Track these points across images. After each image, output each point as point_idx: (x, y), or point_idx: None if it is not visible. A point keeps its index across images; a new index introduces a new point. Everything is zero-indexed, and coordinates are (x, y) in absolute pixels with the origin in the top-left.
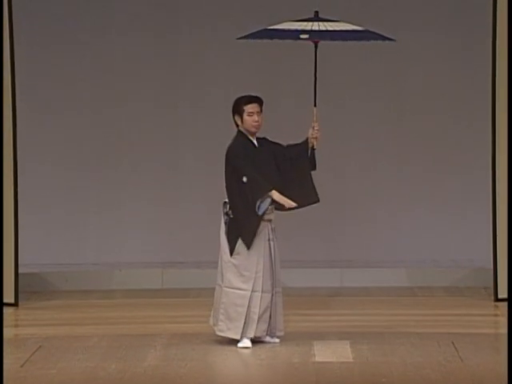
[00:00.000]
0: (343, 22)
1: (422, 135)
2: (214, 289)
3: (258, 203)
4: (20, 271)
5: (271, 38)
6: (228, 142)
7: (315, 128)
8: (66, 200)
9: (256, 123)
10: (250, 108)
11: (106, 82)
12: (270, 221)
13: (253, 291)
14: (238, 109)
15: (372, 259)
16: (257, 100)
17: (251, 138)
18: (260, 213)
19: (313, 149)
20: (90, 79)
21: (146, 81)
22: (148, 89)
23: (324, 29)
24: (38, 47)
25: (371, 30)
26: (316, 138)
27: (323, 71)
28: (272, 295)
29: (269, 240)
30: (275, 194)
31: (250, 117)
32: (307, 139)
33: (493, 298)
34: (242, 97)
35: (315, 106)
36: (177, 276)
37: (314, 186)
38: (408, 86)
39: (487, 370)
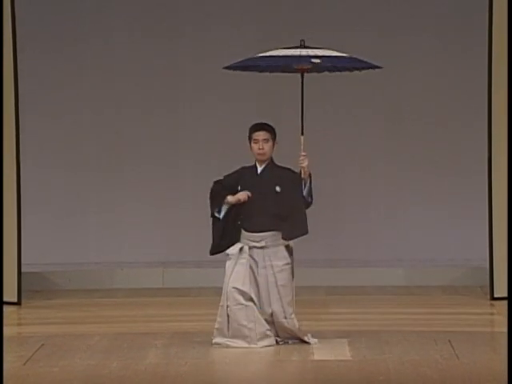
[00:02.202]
0: (330, 49)
1: (420, 136)
2: (214, 288)
3: (216, 210)
4: (23, 270)
5: (261, 68)
6: (228, 143)
7: (300, 158)
8: (68, 200)
9: (260, 151)
10: (255, 136)
11: (107, 83)
12: (262, 248)
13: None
14: (248, 136)
15: (370, 259)
16: (263, 128)
17: (258, 164)
18: (220, 216)
19: (301, 178)
20: (90, 80)
21: (147, 82)
22: (148, 90)
23: (327, 54)
24: (39, 48)
25: (359, 58)
26: (303, 167)
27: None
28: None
29: (257, 267)
30: (229, 197)
31: (255, 144)
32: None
33: (489, 296)
34: (253, 124)
35: (302, 134)
36: (177, 275)
37: (305, 218)
38: (406, 88)
39: (483, 368)
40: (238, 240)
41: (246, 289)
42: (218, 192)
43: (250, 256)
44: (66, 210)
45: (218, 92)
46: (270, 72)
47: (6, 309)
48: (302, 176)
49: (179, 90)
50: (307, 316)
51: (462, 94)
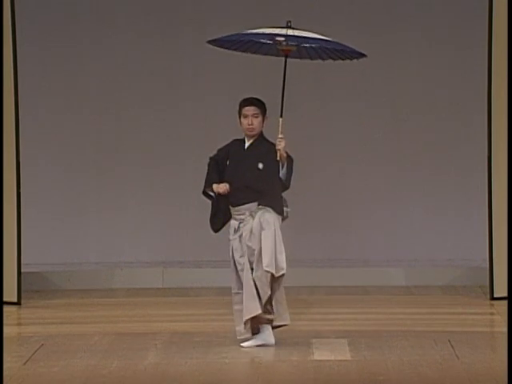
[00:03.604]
0: (315, 33)
1: (420, 136)
2: (213, 288)
3: (208, 189)
4: (23, 270)
5: (243, 47)
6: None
7: (277, 140)
8: (67, 200)
9: (249, 126)
10: (245, 110)
11: (107, 83)
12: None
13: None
14: (238, 110)
15: (370, 258)
16: (253, 103)
17: (246, 139)
18: (213, 194)
19: (277, 160)
20: (90, 79)
21: (147, 81)
22: (148, 89)
23: (299, 34)
24: (39, 48)
25: (342, 43)
26: (279, 149)
27: (324, 71)
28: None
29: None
30: (214, 186)
31: (245, 119)
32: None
33: (488, 296)
34: (243, 99)
35: (281, 116)
36: (177, 275)
37: (281, 200)
38: (406, 87)
39: (483, 368)
40: (230, 216)
41: (243, 260)
42: (212, 170)
43: (241, 230)
44: (66, 210)
45: (219, 91)
46: (253, 53)
47: (5, 309)
48: (278, 158)
49: (179, 89)
50: (307, 316)
51: (462, 93)
